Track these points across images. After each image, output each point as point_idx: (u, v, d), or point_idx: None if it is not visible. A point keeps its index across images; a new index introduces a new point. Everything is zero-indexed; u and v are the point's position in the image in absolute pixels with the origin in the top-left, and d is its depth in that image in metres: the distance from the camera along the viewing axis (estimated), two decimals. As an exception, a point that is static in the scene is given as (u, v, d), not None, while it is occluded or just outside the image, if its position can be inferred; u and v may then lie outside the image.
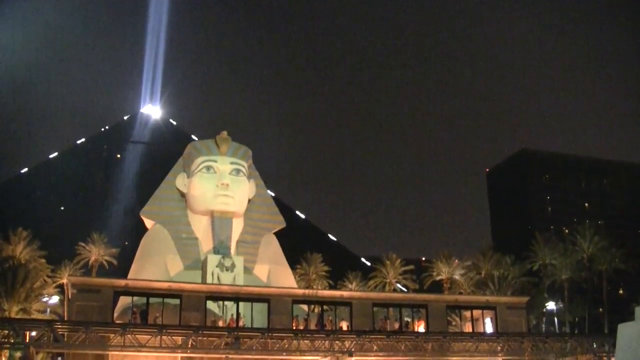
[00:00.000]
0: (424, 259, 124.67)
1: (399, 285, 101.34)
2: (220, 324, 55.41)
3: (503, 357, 57.21)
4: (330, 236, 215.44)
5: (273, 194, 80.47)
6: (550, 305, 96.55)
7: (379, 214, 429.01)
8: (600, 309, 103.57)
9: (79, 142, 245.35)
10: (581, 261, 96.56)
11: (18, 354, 51.75)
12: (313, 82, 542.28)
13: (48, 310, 73.64)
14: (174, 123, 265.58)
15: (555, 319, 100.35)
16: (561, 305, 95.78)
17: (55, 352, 63.02)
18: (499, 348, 55.73)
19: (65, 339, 48.06)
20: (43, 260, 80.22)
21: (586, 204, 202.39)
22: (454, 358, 55.64)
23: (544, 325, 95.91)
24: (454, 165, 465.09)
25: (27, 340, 47.66)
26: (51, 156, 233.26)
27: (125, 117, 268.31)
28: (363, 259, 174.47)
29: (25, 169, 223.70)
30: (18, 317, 57.55)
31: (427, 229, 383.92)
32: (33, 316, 61.04)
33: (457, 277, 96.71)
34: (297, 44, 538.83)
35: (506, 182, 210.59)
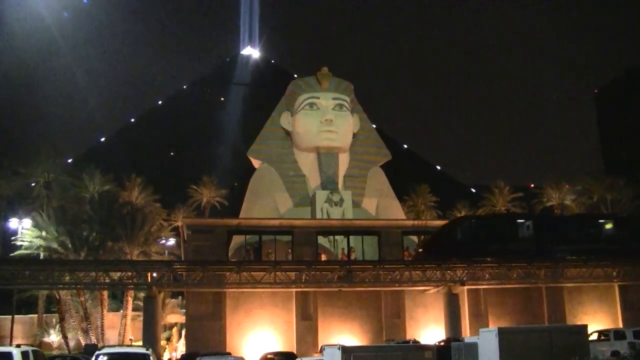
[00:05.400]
0: (532, 185, 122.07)
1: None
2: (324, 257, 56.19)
3: (619, 282, 55.87)
4: (437, 166, 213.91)
5: (377, 127, 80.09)
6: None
7: (484, 141, 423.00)
8: None
9: (182, 87, 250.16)
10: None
11: (142, 294, 53.87)
12: (414, 13, 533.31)
13: (166, 252, 76.06)
14: (274, 62, 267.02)
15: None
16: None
17: (176, 291, 65.57)
18: (614, 274, 54.34)
19: (184, 278, 49.76)
20: (158, 205, 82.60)
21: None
22: (568, 284, 54.63)
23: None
24: (560, 87, 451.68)
25: (149, 281, 49.59)
26: (157, 103, 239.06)
27: (226, 60, 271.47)
28: (471, 188, 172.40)
29: (133, 119, 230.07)
30: (139, 259, 59.70)
31: (534, 154, 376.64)
32: (153, 258, 63.20)
33: (568, 202, 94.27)
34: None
35: (616, 102, 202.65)
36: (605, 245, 52.97)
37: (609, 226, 54.74)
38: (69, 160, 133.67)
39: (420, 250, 55.58)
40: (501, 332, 32.54)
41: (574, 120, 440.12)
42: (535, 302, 55.72)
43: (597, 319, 54.62)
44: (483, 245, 50.62)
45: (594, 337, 42.88)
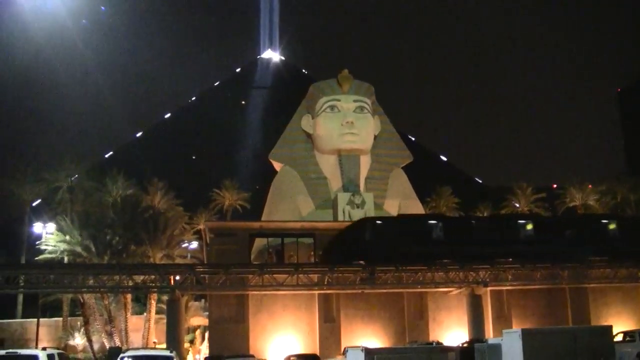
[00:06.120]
0: (555, 185, 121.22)
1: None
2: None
3: (644, 284, 55.40)
4: (459, 167, 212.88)
5: (398, 129, 79.89)
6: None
7: (506, 142, 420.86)
8: None
9: (203, 92, 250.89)
10: None
11: (165, 297, 54.13)
12: (432, 15, 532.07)
13: (189, 255, 76.32)
14: (295, 65, 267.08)
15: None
16: None
17: (199, 294, 65.77)
18: (639, 274, 53.84)
19: (207, 281, 49.91)
20: (180, 208, 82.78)
21: None
22: (592, 285, 54.22)
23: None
24: (581, 86, 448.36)
25: (172, 284, 49.80)
26: (179, 108, 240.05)
27: (246, 64, 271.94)
28: (493, 189, 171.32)
29: (155, 123, 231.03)
30: (162, 262, 59.93)
31: (556, 154, 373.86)
32: (176, 261, 63.42)
33: (591, 202, 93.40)
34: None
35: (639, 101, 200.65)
36: (523, 247, 51.39)
37: (528, 227, 52.73)
38: (92, 165, 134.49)
39: (321, 252, 54.37)
40: (525, 333, 32.33)
41: (597, 119, 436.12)
42: (559, 303, 55.28)
43: (621, 320, 54.03)
44: (393, 247, 49.01)
45: (619, 338, 42.42)
